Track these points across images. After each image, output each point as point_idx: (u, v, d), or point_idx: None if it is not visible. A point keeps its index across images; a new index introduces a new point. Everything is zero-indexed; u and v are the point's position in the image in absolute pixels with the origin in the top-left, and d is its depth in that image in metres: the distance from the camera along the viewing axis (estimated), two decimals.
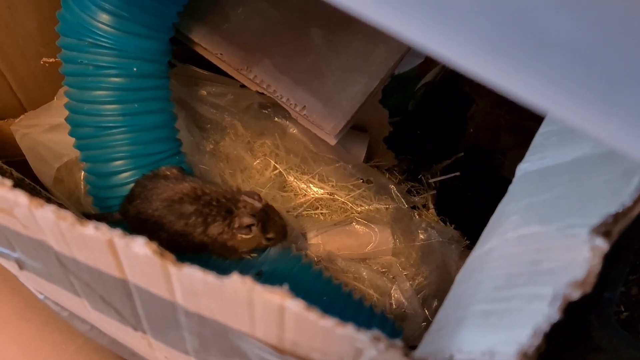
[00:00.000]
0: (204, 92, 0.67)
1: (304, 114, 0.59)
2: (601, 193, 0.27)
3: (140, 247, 0.28)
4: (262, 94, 0.62)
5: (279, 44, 0.62)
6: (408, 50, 0.61)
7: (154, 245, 0.29)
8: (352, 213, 0.69)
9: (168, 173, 0.54)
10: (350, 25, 0.61)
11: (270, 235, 0.55)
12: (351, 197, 0.69)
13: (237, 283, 0.27)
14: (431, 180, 0.73)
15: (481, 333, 0.26)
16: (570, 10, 0.16)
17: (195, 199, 0.52)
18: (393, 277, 0.65)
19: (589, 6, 0.15)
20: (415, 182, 0.74)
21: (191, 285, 0.29)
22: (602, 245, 0.24)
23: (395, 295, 0.64)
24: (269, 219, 0.54)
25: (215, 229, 0.52)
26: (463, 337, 0.26)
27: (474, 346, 0.25)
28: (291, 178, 0.69)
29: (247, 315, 0.29)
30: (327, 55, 0.61)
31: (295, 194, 0.69)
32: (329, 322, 0.25)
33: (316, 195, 0.69)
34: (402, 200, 0.69)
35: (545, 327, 0.23)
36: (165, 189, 0.52)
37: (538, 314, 0.23)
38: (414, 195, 0.72)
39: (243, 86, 0.65)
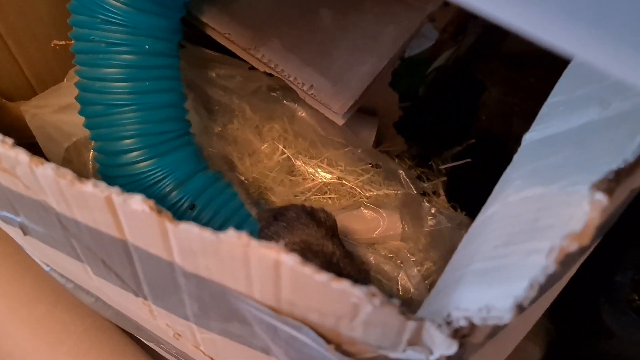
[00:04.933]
0: (213, 74, 0.66)
1: (312, 93, 0.59)
2: (605, 152, 0.27)
3: (137, 203, 0.28)
4: (271, 75, 0.62)
5: (288, 23, 0.62)
6: (418, 31, 0.60)
7: (151, 202, 0.29)
8: (361, 198, 0.68)
9: None
10: (360, 6, 0.61)
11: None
12: (360, 181, 0.68)
13: (232, 238, 0.26)
14: (442, 167, 0.72)
15: (478, 289, 0.25)
16: None
17: None
18: (401, 263, 0.64)
19: None
20: (425, 168, 0.73)
21: (188, 242, 0.29)
22: (602, 199, 0.23)
23: (403, 281, 0.63)
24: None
25: None
26: (460, 295, 0.26)
27: (471, 303, 0.24)
28: (299, 162, 0.68)
29: (243, 273, 0.28)
30: (335, 35, 0.61)
31: (303, 178, 0.68)
32: (323, 277, 0.25)
33: (324, 179, 0.69)
34: (412, 186, 0.68)
35: (542, 279, 0.22)
36: None
37: (534, 266, 0.23)
38: (424, 182, 0.71)
39: (252, 68, 0.64)
